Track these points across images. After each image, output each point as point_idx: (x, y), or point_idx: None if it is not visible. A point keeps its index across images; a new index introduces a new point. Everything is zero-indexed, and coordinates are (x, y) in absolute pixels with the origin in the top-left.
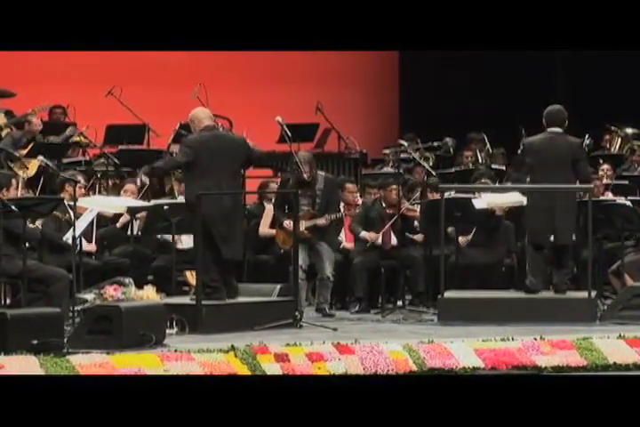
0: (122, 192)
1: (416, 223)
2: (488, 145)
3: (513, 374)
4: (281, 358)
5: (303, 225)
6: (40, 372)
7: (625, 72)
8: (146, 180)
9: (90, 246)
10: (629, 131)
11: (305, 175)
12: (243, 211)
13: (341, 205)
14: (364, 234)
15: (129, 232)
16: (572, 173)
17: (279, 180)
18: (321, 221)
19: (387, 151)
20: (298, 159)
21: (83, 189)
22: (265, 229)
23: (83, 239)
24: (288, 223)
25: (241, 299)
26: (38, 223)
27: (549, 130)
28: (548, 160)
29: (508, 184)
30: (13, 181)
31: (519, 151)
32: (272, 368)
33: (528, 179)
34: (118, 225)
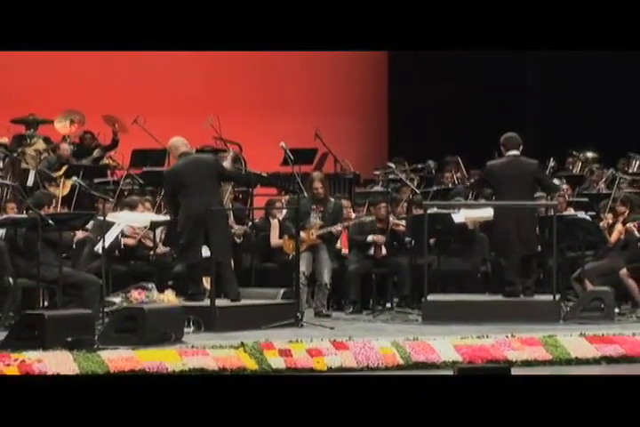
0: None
1: (404, 236)
2: (462, 167)
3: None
4: (284, 353)
5: (314, 233)
6: (74, 366)
7: (588, 103)
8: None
9: (131, 240)
10: (589, 155)
11: (305, 194)
12: (225, 220)
13: None
14: (371, 237)
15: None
16: (534, 191)
17: (286, 197)
18: (335, 229)
19: (377, 172)
20: (310, 178)
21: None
22: (275, 240)
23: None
24: (305, 234)
25: (249, 301)
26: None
27: (509, 153)
28: (511, 180)
29: (482, 201)
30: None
31: (483, 171)
32: (277, 362)
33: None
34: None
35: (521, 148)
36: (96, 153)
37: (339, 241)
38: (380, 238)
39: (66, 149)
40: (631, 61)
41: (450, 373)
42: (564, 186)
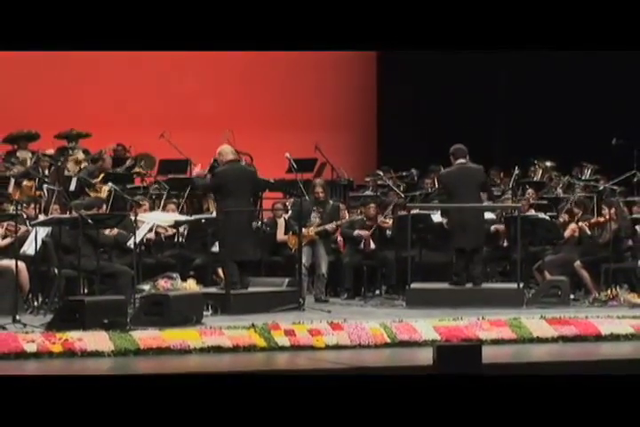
0: (165, 210)
1: (388, 232)
2: None
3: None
4: (289, 332)
5: (313, 231)
6: (109, 344)
7: (548, 118)
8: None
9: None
10: (548, 164)
11: (306, 197)
12: (253, 223)
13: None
14: (357, 232)
15: (176, 239)
16: (480, 192)
17: (291, 200)
18: (330, 226)
19: (368, 179)
20: (313, 184)
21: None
22: (280, 236)
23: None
24: (306, 231)
25: (259, 289)
26: (108, 231)
27: (458, 162)
28: (462, 185)
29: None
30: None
31: (437, 181)
32: (282, 340)
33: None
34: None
35: (467, 157)
36: (128, 163)
37: (337, 242)
38: (365, 233)
39: (109, 162)
40: (587, 82)
41: (430, 349)
42: (530, 190)
